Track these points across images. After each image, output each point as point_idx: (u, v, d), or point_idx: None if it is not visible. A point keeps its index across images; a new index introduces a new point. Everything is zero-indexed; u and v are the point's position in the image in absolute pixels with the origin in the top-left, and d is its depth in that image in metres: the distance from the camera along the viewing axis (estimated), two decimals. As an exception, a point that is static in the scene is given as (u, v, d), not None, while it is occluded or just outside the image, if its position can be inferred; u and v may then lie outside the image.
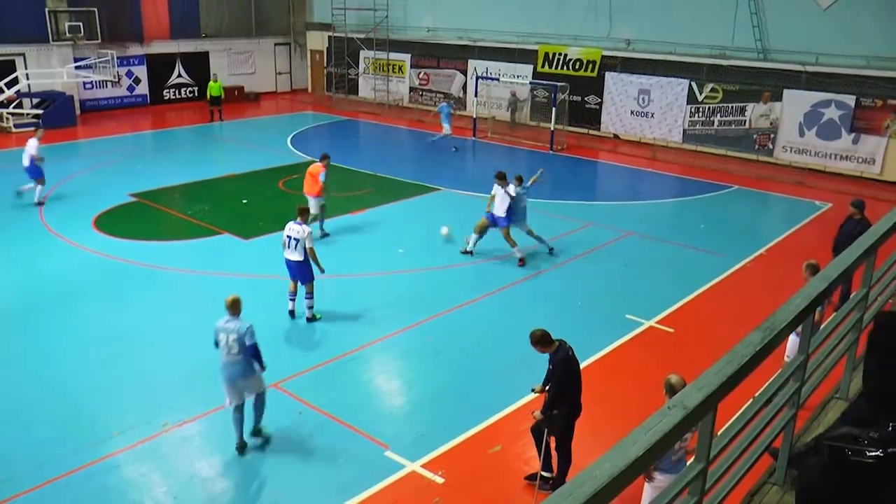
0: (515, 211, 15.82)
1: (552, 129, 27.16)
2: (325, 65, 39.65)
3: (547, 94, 29.99)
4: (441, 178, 22.51)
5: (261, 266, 15.39)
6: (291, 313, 13.08)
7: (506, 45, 31.83)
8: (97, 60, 31.74)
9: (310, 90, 41.11)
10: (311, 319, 12.95)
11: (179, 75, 36.26)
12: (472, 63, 33.17)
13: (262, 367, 9.42)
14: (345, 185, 21.69)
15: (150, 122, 32.57)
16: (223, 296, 13.33)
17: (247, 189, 21.48)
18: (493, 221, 15.92)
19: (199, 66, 36.65)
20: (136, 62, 34.52)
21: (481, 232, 16.09)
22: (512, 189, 15.74)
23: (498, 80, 30.34)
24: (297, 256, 12.70)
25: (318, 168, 16.95)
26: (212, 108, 32.18)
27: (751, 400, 4.08)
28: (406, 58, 35.88)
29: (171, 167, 23.65)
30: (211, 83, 32.17)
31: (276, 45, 40.18)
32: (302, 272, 12.83)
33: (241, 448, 9.36)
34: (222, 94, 32.36)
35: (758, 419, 4.06)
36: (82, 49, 31.94)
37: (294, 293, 13.09)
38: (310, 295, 12.94)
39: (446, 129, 26.59)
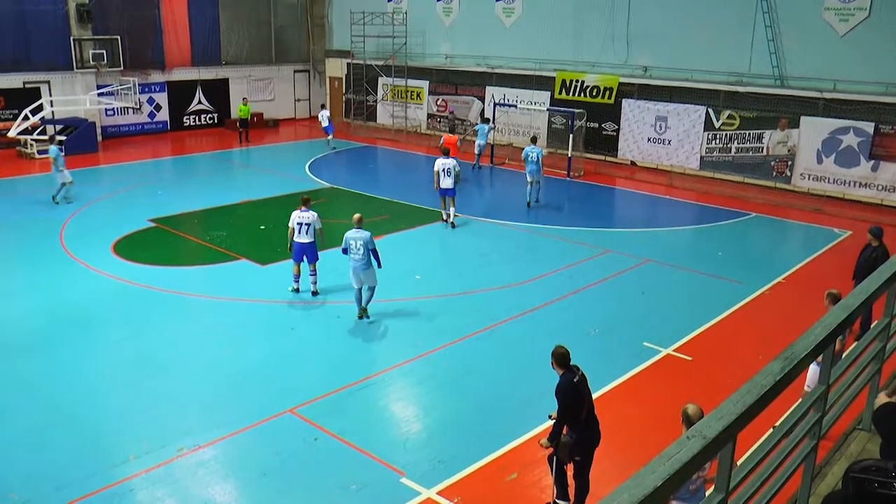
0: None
1: (569, 155, 27.16)
2: (343, 91, 39.96)
3: (564, 120, 30.03)
4: (458, 205, 22.47)
5: (278, 292, 15.43)
6: (297, 290, 15.16)
7: (523, 71, 31.95)
8: (119, 87, 32.18)
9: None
10: (315, 294, 15.04)
11: (200, 102, 36.68)
12: (489, 90, 33.29)
13: (379, 265, 13.56)
14: (361, 212, 21.58)
15: (170, 149, 32.87)
16: (240, 321, 13.38)
17: (265, 215, 21.56)
18: (443, 194, 20.02)
19: (219, 92, 37.08)
20: (158, 89, 34.96)
21: (445, 206, 20.20)
22: (451, 162, 19.81)
23: (516, 106, 30.43)
24: (307, 238, 14.75)
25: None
26: (241, 130, 33.10)
27: (771, 430, 4.03)
28: (424, 84, 36.08)
29: (190, 193, 23.83)
30: (241, 105, 33.29)
31: (295, 72, 40.57)
32: (311, 252, 14.86)
33: (362, 315, 13.88)
34: (249, 117, 33.25)
35: (778, 450, 4.00)
36: (105, 76, 32.38)
37: (298, 275, 15.12)
38: (314, 272, 15.03)
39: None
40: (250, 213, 21.82)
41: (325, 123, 32.49)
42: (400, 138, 34.89)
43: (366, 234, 13.51)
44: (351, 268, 13.71)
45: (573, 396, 8.11)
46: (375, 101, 38.37)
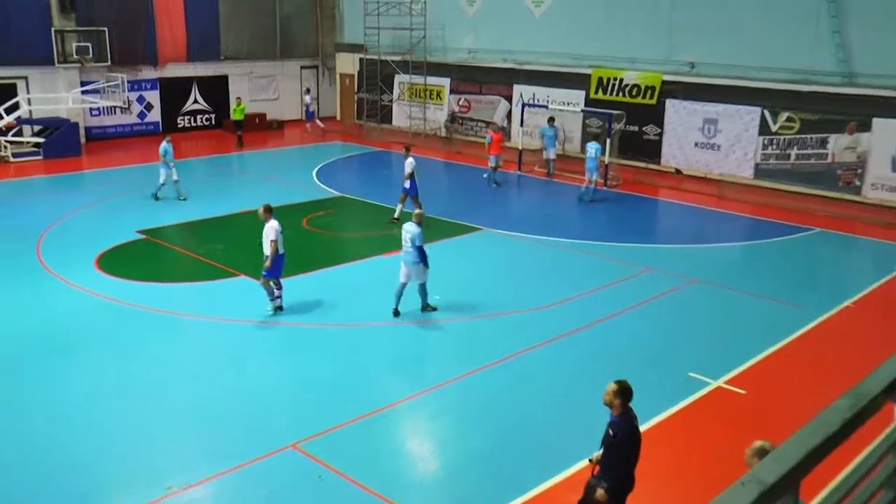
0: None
1: (606, 162, 27.08)
2: (355, 90, 40.18)
3: (600, 123, 30.00)
4: (482, 217, 22.53)
5: (282, 313, 15.45)
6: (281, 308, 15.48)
7: (555, 68, 32.01)
8: (106, 84, 32.50)
9: (338, 118, 41.66)
10: (275, 311, 15.31)
11: (195, 101, 37.04)
12: (517, 88, 33.38)
13: (425, 264, 15.00)
14: (374, 224, 21.79)
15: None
16: (238, 344, 13.37)
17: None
18: (404, 191, 21.58)
19: (217, 90, 37.47)
20: (149, 86, 35.33)
21: (402, 202, 21.65)
22: (409, 164, 21.31)
23: (546, 107, 30.44)
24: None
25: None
26: (239, 134, 33.42)
27: (840, 477, 3.92)
28: (445, 82, 36.24)
29: (184, 202, 24.01)
30: (234, 106, 33.29)
31: (302, 68, 40.89)
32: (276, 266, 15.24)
33: (396, 314, 15.14)
34: (243, 119, 33.32)
35: (849, 501, 3.90)
36: (90, 72, 32.76)
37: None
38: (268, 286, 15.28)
39: (550, 153, 28.63)
40: (249, 225, 21.75)
41: (307, 109, 35.27)
42: (418, 142, 34.97)
43: (415, 229, 14.93)
44: (402, 260, 15.22)
45: (637, 443, 7.98)
46: (391, 100, 38.53)
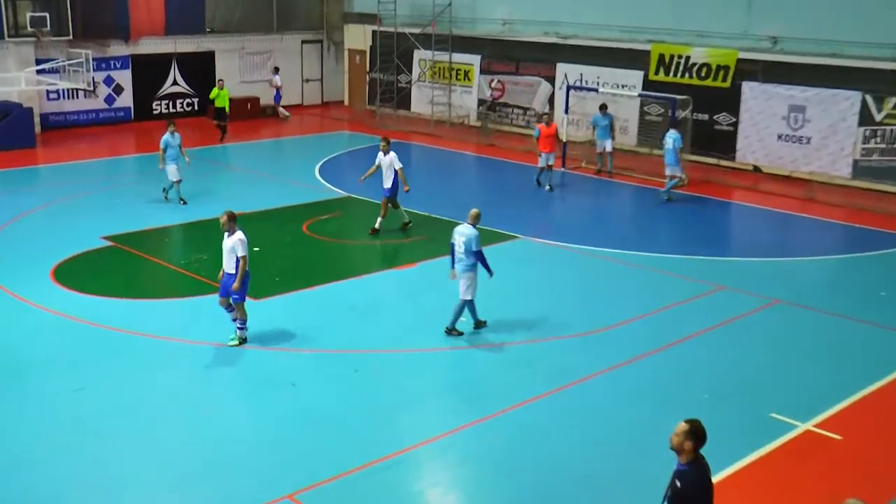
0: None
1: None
2: (367, 69, 40.26)
3: (661, 110, 29.89)
4: (519, 223, 22.47)
5: (276, 335, 15.45)
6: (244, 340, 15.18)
7: (607, 43, 31.91)
8: (66, 63, 32.56)
9: (347, 103, 41.78)
10: (240, 344, 14.99)
11: (175, 83, 37.23)
12: (561, 68, 33.31)
13: (489, 273, 15.39)
14: (388, 230, 21.76)
15: (134, 144, 33.34)
16: (224, 373, 13.37)
17: (259, 233, 21.28)
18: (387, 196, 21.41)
19: (201, 70, 37.60)
20: (119, 65, 35.56)
21: (384, 210, 21.45)
22: (395, 158, 21.22)
23: (596, 90, 30.32)
24: (232, 269, 14.86)
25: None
26: (217, 124, 32.88)
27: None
28: (474, 60, 36.22)
29: (160, 203, 24.06)
30: (215, 90, 32.85)
31: (303, 42, 41.03)
32: (231, 286, 14.86)
33: (481, 326, 15.78)
34: (227, 107, 33.00)
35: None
36: (47, 48, 32.97)
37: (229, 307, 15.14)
38: (235, 315, 15.13)
39: (606, 146, 28.45)
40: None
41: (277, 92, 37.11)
42: (442, 132, 35.03)
43: (472, 231, 15.24)
44: (455, 268, 15.48)
45: (709, 497, 7.85)
46: (409, 82, 38.57)
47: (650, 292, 17.98)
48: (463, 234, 15.27)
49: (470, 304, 15.57)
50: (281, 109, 38.08)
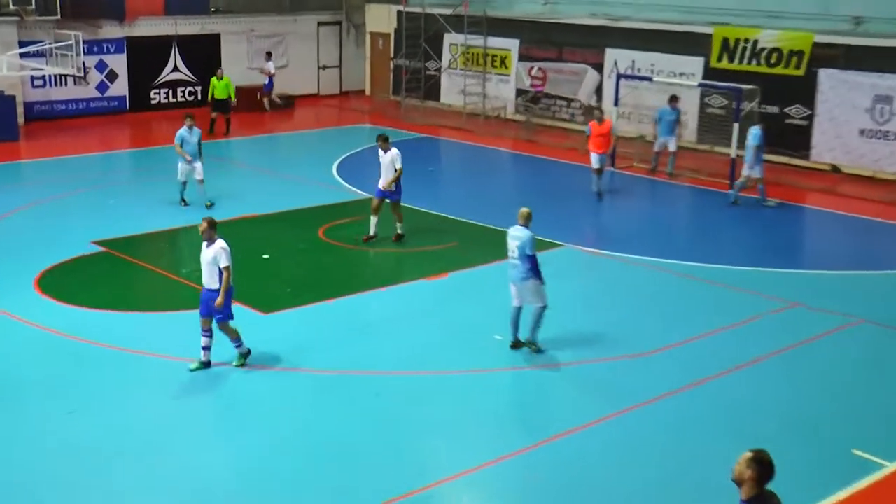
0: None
1: (733, 156, 26.86)
2: (391, 55, 40.30)
3: (725, 102, 29.77)
4: (563, 229, 22.35)
5: (287, 353, 15.42)
6: (206, 364, 14.79)
7: (663, 25, 31.87)
8: (54, 46, 32.68)
9: (368, 93, 41.89)
10: (242, 364, 14.84)
11: (175, 68, 37.46)
12: (610, 54, 33.25)
13: (540, 279, 15.20)
14: (417, 237, 21.77)
15: (129, 138, 33.56)
16: (230, 398, 13.32)
17: (269, 239, 21.79)
18: (381, 197, 21.25)
19: (204, 55, 37.75)
20: (112, 49, 35.76)
21: (376, 212, 21.32)
22: (398, 157, 20.91)
23: (650, 79, 30.23)
24: (213, 283, 14.59)
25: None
26: (214, 117, 32.81)
27: None
28: (512, 45, 36.22)
29: (157, 204, 24.14)
30: (214, 80, 32.79)
31: (319, 25, 41.22)
32: (214, 304, 14.53)
33: (515, 346, 15.56)
34: (232, 98, 32.98)
35: None
36: (32, 29, 33.22)
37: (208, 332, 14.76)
38: (230, 336, 14.77)
39: (669, 144, 28.09)
40: (247, 236, 21.87)
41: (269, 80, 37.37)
42: (476, 126, 35.04)
43: (525, 233, 15.22)
44: (509, 279, 15.46)
45: None
46: (439, 69, 38.58)
47: (714, 308, 17.93)
48: (516, 237, 15.24)
49: (538, 315, 15.48)
50: (275, 98, 38.06)
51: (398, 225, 21.46)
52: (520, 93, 36.16)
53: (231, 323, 14.64)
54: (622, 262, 20.61)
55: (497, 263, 20.04)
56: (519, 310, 15.45)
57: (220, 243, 14.49)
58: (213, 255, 14.43)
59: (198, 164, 23.51)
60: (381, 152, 21.19)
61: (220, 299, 14.33)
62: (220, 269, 14.39)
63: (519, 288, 15.32)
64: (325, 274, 19.93)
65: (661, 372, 15.14)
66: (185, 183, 23.75)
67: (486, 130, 34.49)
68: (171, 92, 37.37)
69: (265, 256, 20.53)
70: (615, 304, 18.26)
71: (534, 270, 15.14)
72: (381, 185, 21.10)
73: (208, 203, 23.56)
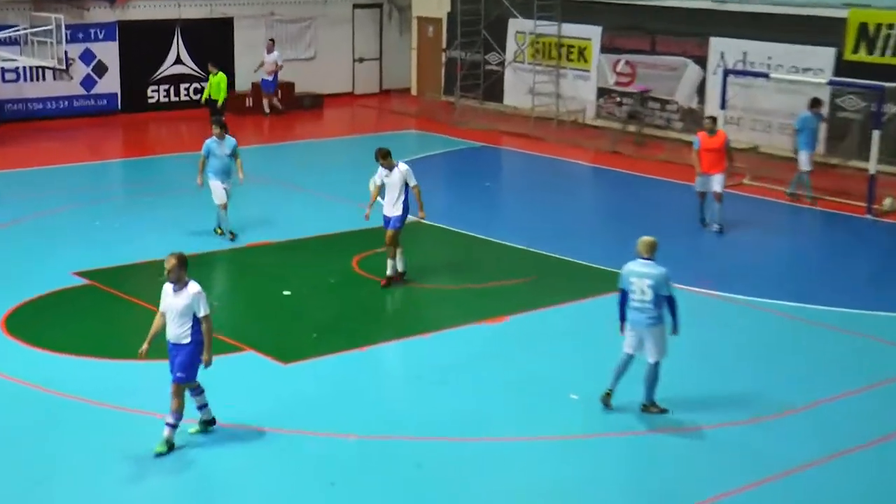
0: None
1: (871, 172, 26.66)
2: (443, 46, 40.33)
3: (862, 104, 29.58)
4: (665, 265, 21.90)
5: (310, 413, 15.34)
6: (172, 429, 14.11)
7: (783, 8, 31.78)
8: (29, 31, 33.02)
9: (415, 91, 42.06)
10: (206, 430, 14.50)
11: (178, 60, 37.76)
12: (715, 43, 33.19)
13: (675, 330, 15.26)
14: (470, 269, 21.87)
15: (121, 145, 33.67)
16: (241, 465, 13.20)
17: (292, 271, 21.78)
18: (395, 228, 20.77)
19: (214, 43, 38.06)
20: (101, 35, 36.12)
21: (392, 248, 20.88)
22: (410, 173, 20.59)
23: (767, 76, 30.05)
24: (182, 335, 14.16)
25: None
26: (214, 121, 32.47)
27: None
28: (593, 33, 36.20)
29: (154, 226, 24.17)
30: (211, 78, 33.25)
31: (355, 7, 41.40)
32: (182, 359, 14.13)
33: (605, 400, 15.39)
34: (220, 100, 33.13)
35: None
36: (4, 11, 33.60)
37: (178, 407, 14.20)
38: (194, 394, 14.39)
39: (804, 162, 27.43)
40: (263, 268, 22.09)
41: (267, 74, 36.75)
42: (547, 133, 35.03)
43: (657, 270, 15.15)
44: (628, 320, 15.30)
45: None
46: (501, 63, 38.54)
47: (847, 363, 17.73)
48: (646, 274, 15.08)
49: (654, 370, 15.43)
50: (276, 102, 37.77)
51: (398, 261, 20.92)
52: (602, 92, 36.09)
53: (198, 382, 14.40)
54: (748, 306, 20.44)
55: (577, 303, 20.05)
56: (630, 359, 15.34)
57: (194, 287, 14.11)
58: (188, 303, 14.04)
59: (219, 183, 22.79)
60: (382, 171, 20.60)
61: (206, 356, 14.12)
62: (194, 320, 14.09)
63: (642, 335, 15.19)
64: (360, 315, 19.77)
65: (792, 440, 14.94)
66: (224, 205, 23.04)
67: (560, 138, 34.48)
68: (172, 89, 37.61)
69: (286, 293, 20.45)
70: (738, 355, 18.14)
71: (671, 315, 15.15)
72: (390, 211, 20.60)
73: (231, 233, 23.22)
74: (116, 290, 20.26)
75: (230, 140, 23.00)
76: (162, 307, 14.25)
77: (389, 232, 20.57)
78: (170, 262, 13.98)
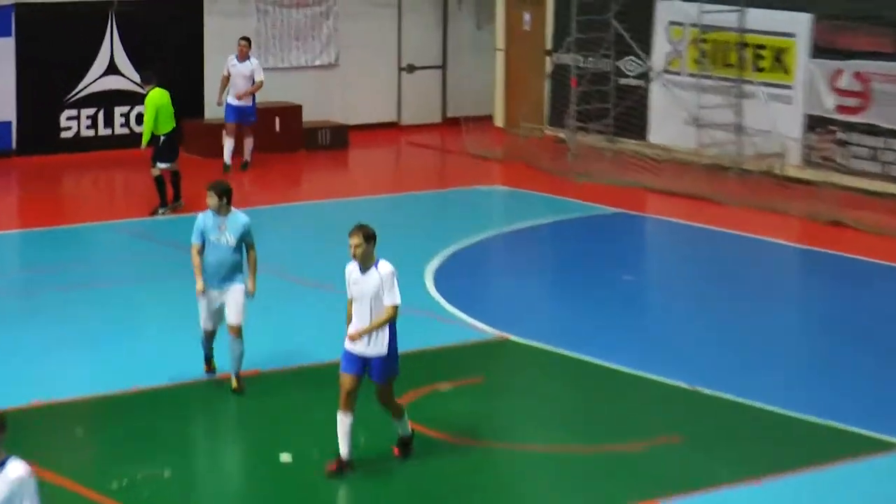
0: None
1: None
2: (547, 46, 40.42)
3: None
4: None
5: None
6: None
7: None
8: None
9: (501, 121, 42.10)
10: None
11: (112, 68, 37.92)
12: None
13: None
14: (592, 420, 21.97)
15: (16, 205, 33.88)
16: None
17: (299, 417, 21.97)
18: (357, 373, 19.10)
19: (170, 41, 38.81)
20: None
21: (349, 405, 19.00)
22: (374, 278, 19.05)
23: None
24: None
25: None
26: (157, 174, 33.04)
27: None
28: (797, 25, 36.55)
29: (70, 343, 24.48)
30: (151, 95, 33.04)
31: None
32: None
33: None
34: (167, 132, 33.18)
35: None
36: None
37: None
38: None
39: None
40: (253, 417, 22.27)
41: (232, 98, 36.19)
42: (723, 191, 35.11)
43: None
44: None
45: None
46: (646, 74, 38.57)
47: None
48: None
49: None
50: (248, 146, 37.62)
51: (398, 424, 19.70)
52: (814, 123, 35.89)
53: None
54: None
55: (769, 482, 19.74)
56: None
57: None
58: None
59: (236, 289, 21.91)
60: (356, 267, 19.24)
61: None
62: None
63: None
64: (405, 497, 19.75)
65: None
66: (212, 333, 22.62)
67: (745, 200, 34.67)
68: (100, 114, 37.78)
69: (285, 458, 20.39)
70: None
71: None
72: (364, 347, 18.93)
73: (236, 386, 22.28)
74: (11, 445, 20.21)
75: (238, 218, 21.68)
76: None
77: (377, 387, 19.17)
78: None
